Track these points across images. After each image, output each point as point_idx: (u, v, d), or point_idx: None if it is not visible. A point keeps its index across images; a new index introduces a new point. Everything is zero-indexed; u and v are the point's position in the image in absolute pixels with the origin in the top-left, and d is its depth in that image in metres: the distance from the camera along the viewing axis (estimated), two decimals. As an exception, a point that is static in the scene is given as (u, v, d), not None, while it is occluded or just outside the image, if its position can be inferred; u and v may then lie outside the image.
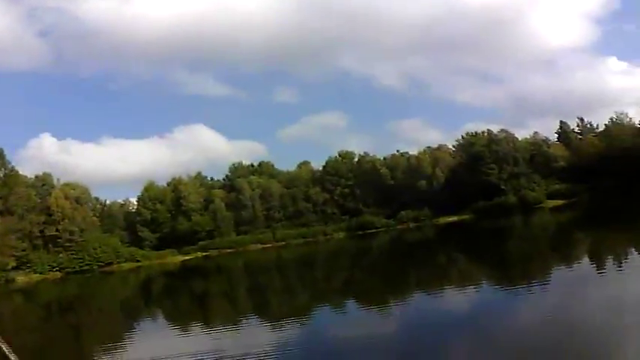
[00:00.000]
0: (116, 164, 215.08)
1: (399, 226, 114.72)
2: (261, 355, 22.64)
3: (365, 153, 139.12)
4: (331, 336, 26.10)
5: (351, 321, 29.47)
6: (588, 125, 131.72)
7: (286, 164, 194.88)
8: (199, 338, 29.93)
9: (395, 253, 71.35)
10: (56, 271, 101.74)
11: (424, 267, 49.34)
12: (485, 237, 71.96)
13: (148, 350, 28.12)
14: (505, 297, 28.44)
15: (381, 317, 28.93)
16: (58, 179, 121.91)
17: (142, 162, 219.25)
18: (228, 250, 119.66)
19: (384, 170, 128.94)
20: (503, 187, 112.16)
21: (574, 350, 16.52)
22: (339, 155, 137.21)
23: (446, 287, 34.87)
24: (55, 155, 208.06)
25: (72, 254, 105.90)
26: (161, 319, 43.13)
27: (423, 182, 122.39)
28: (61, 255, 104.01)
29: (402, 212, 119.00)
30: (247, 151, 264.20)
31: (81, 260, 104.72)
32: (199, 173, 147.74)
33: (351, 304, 36.51)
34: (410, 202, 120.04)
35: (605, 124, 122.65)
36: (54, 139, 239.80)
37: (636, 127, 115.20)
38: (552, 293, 26.89)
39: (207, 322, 36.41)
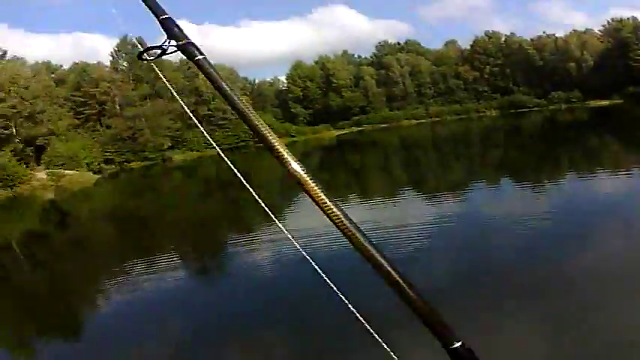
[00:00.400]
0: (257, 46, 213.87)
1: (550, 107, 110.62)
2: (418, 227, 22.84)
3: (512, 33, 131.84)
4: (485, 212, 26.03)
5: (505, 198, 29.69)
6: None
7: (431, 43, 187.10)
8: (356, 210, 29.75)
9: (548, 134, 69.95)
10: (212, 148, 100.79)
11: (578, 149, 48.68)
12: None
13: (305, 221, 26.36)
14: None
15: (535, 196, 28.95)
16: None
17: (284, 43, 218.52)
18: (382, 126, 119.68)
19: (531, 51, 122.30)
20: None
21: None
22: (486, 35, 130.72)
23: (599, 171, 34.19)
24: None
25: (226, 131, 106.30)
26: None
27: (572, 65, 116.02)
28: (216, 133, 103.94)
29: (554, 93, 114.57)
30: (391, 31, 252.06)
31: (236, 137, 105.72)
32: (346, 51, 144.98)
33: (505, 181, 36.86)
34: (560, 84, 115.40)
35: None
36: (192, 25, 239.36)
37: None
38: None
39: (364, 195, 37.02)
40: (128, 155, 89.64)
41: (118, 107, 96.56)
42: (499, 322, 13.09)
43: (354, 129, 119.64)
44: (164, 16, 2.12)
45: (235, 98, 2.00)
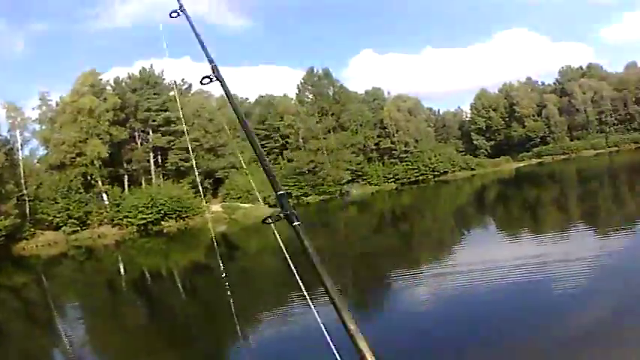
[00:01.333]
0: (441, 74, 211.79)
1: None
2: (583, 263, 21.76)
3: None
4: None
5: None
6: None
7: (613, 67, 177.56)
8: (526, 246, 29.59)
9: None
10: (391, 182, 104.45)
11: None
12: None
13: (474, 256, 28.16)
14: None
15: None
16: (388, 92, 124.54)
17: (467, 70, 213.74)
18: (562, 157, 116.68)
19: None
20: None
21: None
22: None
23: None
24: (379, 70, 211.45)
25: (407, 165, 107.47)
26: (492, 227, 43.04)
27: None
28: (396, 166, 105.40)
29: None
30: (573, 53, 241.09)
31: (416, 170, 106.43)
32: (529, 78, 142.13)
33: None
34: None
35: None
36: (375, 55, 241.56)
37: None
38: None
39: (536, 230, 35.81)
40: (306, 189, 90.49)
41: (301, 140, 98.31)
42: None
43: (534, 160, 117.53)
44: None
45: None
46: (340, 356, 2.66)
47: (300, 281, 3.19)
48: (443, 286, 22.85)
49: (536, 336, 14.63)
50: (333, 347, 2.68)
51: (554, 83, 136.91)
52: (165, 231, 64.82)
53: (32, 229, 67.54)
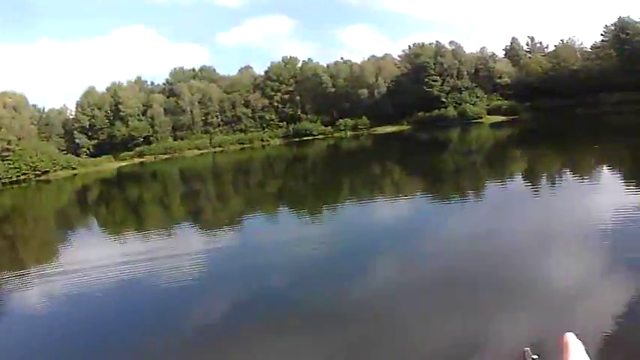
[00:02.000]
0: (53, 68, 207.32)
1: (336, 134, 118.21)
2: (192, 258, 24.21)
3: (308, 59, 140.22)
4: (260, 242, 27.48)
5: (282, 227, 31.38)
6: (538, 44, 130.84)
7: (229, 69, 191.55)
8: (132, 244, 31.69)
9: (330, 161, 74.19)
10: None
11: (359, 176, 51.59)
12: (422, 149, 75.41)
13: (81, 256, 29.65)
14: (434, 210, 30.13)
15: (310, 223, 31.46)
16: None
17: (80, 65, 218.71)
18: (165, 156, 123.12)
19: (325, 77, 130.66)
20: (444, 99, 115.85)
21: (492, 266, 17.52)
22: (283, 61, 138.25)
23: (378, 197, 37.13)
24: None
25: (8, 164, 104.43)
26: (96, 227, 44.64)
27: (365, 91, 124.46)
28: None
29: (341, 120, 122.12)
30: (189, 55, 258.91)
31: (17, 170, 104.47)
32: (139, 78, 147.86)
33: (283, 210, 38.78)
34: (350, 111, 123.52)
35: (555, 45, 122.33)
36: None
37: (585, 51, 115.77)
38: (482, 209, 28.60)
39: (141, 229, 38.15)
40: None
41: None
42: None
43: (136, 160, 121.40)
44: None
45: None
46: None
47: None
48: (53, 288, 23.37)
49: (159, 331, 16.44)
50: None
51: (164, 84, 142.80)
52: None
53: None
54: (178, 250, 26.43)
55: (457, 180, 41.15)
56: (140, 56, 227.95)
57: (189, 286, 20.26)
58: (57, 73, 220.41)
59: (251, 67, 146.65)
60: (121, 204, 57.91)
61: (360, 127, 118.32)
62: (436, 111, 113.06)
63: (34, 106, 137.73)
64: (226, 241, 28.72)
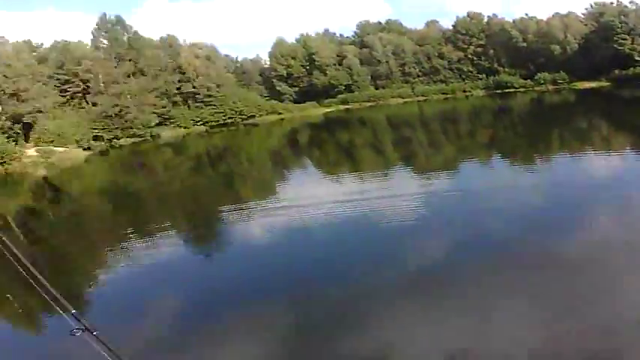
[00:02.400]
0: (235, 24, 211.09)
1: (536, 88, 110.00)
2: (409, 200, 24.17)
3: (493, 15, 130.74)
4: (477, 189, 26.95)
5: (498, 175, 30.91)
6: None
7: (412, 24, 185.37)
8: (347, 184, 31.78)
9: (536, 114, 71.15)
10: (200, 125, 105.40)
11: (566, 129, 49.51)
12: (627, 105, 69.14)
13: (298, 193, 30.34)
14: None
15: (525, 174, 30.18)
16: (184, 40, 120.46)
17: (263, 20, 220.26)
18: (369, 104, 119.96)
19: (514, 32, 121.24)
20: (637, 57, 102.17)
21: None
22: (468, 16, 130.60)
23: (588, 151, 35.69)
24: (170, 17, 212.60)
25: (213, 108, 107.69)
26: (311, 167, 45.40)
27: (557, 47, 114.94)
28: (202, 110, 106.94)
29: (539, 74, 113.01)
30: (371, 10, 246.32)
31: (223, 114, 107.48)
32: (327, 30, 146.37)
33: (496, 159, 38.09)
34: (545, 66, 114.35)
35: None
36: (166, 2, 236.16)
37: None
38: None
39: (355, 170, 38.19)
40: (116, 132, 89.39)
41: (102, 85, 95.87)
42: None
43: (341, 107, 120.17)
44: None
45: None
46: None
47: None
48: (272, 222, 24.51)
49: (375, 269, 16.50)
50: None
51: (353, 36, 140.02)
52: None
53: None
54: (397, 192, 26.56)
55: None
56: (324, 9, 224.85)
57: (408, 227, 20.25)
58: (241, 25, 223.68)
59: (437, 21, 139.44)
60: (332, 147, 58.12)
61: (559, 81, 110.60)
62: (632, 69, 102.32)
63: (227, 56, 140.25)
64: (443, 186, 28.24)
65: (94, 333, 5.11)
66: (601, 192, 23.35)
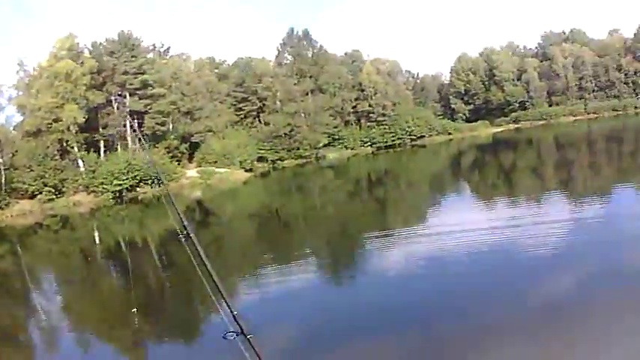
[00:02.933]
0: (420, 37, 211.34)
1: None
2: (554, 229, 22.48)
3: None
4: (628, 215, 24.15)
5: None
6: None
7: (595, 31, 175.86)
8: (498, 210, 30.50)
9: None
10: (367, 146, 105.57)
11: None
12: None
13: (447, 221, 28.86)
14: None
15: None
16: (367, 55, 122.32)
17: (447, 33, 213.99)
18: (540, 122, 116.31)
19: None
20: None
21: None
22: None
23: None
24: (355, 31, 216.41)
25: (384, 128, 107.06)
26: (467, 192, 43.78)
27: None
28: (373, 130, 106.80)
29: None
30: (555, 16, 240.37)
31: (393, 134, 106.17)
32: (511, 42, 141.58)
33: None
34: None
35: None
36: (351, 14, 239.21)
37: None
38: None
39: (511, 196, 36.83)
40: (282, 153, 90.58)
41: (278, 103, 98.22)
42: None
43: (511, 126, 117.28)
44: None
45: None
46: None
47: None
48: (414, 250, 23.45)
49: (511, 302, 15.33)
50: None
51: (536, 48, 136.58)
52: (140, 198, 64.54)
53: (7, 199, 66.72)
54: (546, 220, 24.58)
55: None
56: (510, 20, 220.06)
57: (546, 257, 18.87)
58: (427, 40, 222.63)
59: (619, 29, 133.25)
60: (493, 170, 56.42)
61: None
62: None
63: (408, 71, 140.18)
64: (593, 213, 25.68)
65: (249, 337, 5.01)
66: None
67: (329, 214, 41.27)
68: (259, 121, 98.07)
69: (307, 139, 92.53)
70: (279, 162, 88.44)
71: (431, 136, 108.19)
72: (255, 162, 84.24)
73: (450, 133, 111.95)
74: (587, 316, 13.49)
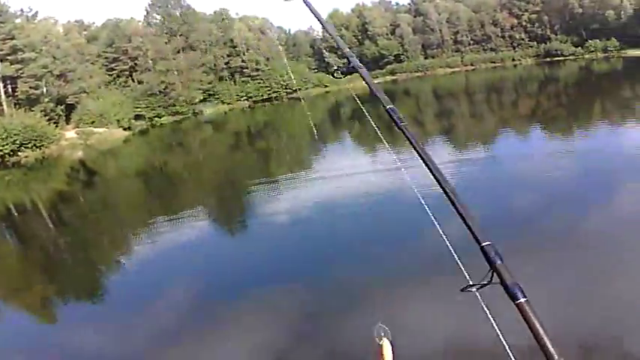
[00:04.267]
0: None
1: (586, 56, 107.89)
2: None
3: None
4: (508, 165, 26.36)
5: (532, 150, 29.42)
6: None
7: None
8: (383, 156, 30.95)
9: (582, 83, 68.62)
10: (244, 100, 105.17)
11: (610, 99, 47.45)
12: None
13: (332, 167, 30.14)
14: None
15: (564, 146, 29.35)
16: (236, 13, 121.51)
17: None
18: (416, 74, 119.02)
19: None
20: None
21: None
22: None
23: (629, 122, 34.26)
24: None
25: (259, 83, 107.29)
26: (348, 142, 45.79)
27: (612, 12, 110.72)
28: (248, 84, 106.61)
29: (590, 41, 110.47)
30: None
31: (268, 88, 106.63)
32: None
33: (535, 131, 36.90)
34: (598, 32, 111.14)
35: None
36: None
37: None
38: None
39: (394, 143, 35.12)
40: (159, 110, 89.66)
41: (150, 62, 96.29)
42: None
43: (388, 78, 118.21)
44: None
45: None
46: None
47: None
48: (305, 195, 24.84)
49: (397, 243, 16.38)
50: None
51: (409, 4, 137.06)
52: (22, 162, 61.91)
53: None
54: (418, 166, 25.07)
55: None
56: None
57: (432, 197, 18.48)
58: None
59: None
60: (373, 120, 56.43)
61: (609, 48, 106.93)
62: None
63: (280, 27, 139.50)
64: (473, 161, 27.25)
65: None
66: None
67: (213, 168, 42.10)
68: (132, 80, 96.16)
69: (182, 96, 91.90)
70: (156, 119, 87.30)
71: (307, 89, 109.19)
72: (133, 120, 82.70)
73: (326, 86, 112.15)
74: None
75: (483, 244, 2.28)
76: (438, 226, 2.94)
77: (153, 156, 55.24)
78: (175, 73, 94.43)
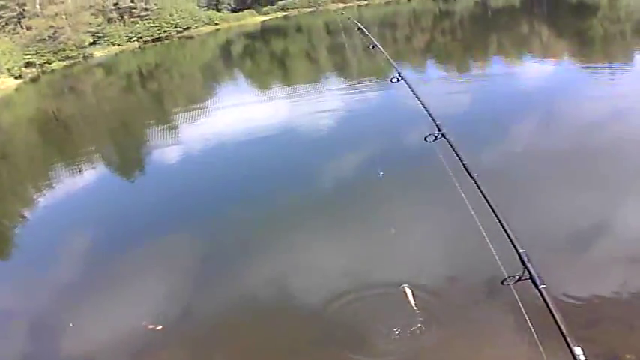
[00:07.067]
0: None
1: None
2: (336, 112, 24.01)
3: None
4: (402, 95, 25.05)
5: (428, 80, 30.04)
6: None
7: None
8: (275, 98, 31.43)
9: (478, 19, 68.69)
10: (134, 41, 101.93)
11: (506, 35, 47.88)
12: (572, 10, 64.95)
13: (226, 102, 31.03)
14: (578, 76, 26.53)
15: (456, 77, 30.18)
16: None
17: None
18: (308, 10, 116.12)
19: None
20: None
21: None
22: None
23: (525, 58, 34.55)
24: None
25: (149, 22, 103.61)
26: (241, 80, 45.19)
27: None
28: (137, 25, 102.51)
29: None
30: None
31: (158, 27, 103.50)
32: None
33: (430, 65, 37.63)
34: None
35: None
36: None
37: None
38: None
39: (286, 81, 38.28)
40: (49, 56, 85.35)
41: (38, 7, 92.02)
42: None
43: (279, 14, 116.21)
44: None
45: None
46: None
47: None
48: (202, 134, 24.50)
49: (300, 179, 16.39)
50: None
51: None
52: None
53: None
54: (321, 105, 26.04)
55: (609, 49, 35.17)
56: None
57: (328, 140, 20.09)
58: None
59: None
60: (265, 57, 57.89)
61: None
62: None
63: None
64: (370, 95, 27.59)
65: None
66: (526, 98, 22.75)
67: (107, 111, 41.15)
68: (21, 26, 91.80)
69: (72, 40, 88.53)
70: (47, 65, 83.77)
71: (197, 27, 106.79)
72: (24, 68, 79.44)
73: (216, 24, 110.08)
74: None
75: (520, 250, 2.97)
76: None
77: (46, 103, 53.89)
78: (64, 17, 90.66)
